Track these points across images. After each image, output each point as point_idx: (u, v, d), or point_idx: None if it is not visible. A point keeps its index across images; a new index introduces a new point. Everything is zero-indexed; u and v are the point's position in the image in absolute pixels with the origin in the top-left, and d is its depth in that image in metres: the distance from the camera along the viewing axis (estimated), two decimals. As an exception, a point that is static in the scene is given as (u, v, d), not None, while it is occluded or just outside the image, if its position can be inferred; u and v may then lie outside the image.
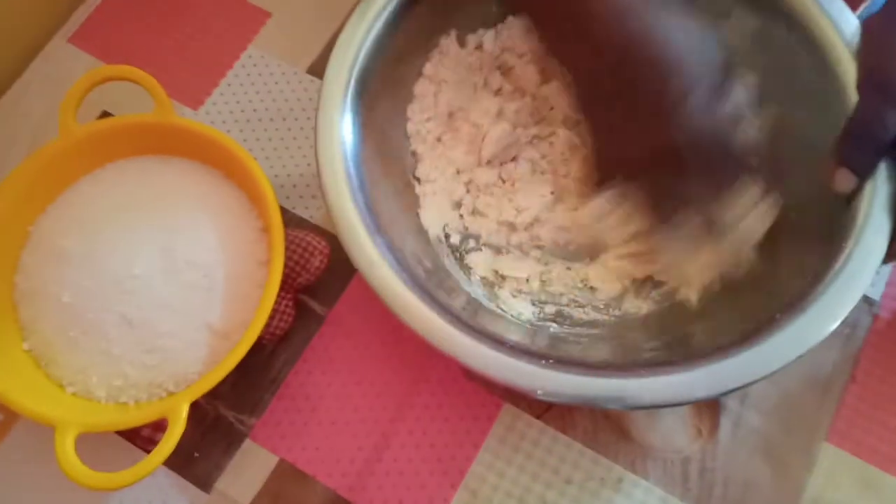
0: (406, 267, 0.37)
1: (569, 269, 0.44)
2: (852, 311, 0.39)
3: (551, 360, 0.34)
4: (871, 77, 0.37)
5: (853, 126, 0.37)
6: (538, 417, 0.43)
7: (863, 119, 0.36)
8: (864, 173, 0.36)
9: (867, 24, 0.38)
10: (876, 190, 0.36)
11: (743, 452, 0.42)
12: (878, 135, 0.36)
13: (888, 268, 0.46)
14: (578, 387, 0.34)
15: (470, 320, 0.36)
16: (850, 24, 0.39)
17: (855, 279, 0.35)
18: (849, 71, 0.38)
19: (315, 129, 0.39)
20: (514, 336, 0.39)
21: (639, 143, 0.38)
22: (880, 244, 0.35)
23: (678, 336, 0.40)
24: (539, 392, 0.34)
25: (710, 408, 0.43)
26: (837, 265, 0.35)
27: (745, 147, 0.37)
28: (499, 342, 0.35)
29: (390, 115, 0.44)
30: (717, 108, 0.36)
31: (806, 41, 0.40)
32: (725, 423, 0.43)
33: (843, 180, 0.37)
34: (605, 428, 0.43)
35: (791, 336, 0.34)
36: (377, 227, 0.38)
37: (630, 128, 0.38)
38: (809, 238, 0.39)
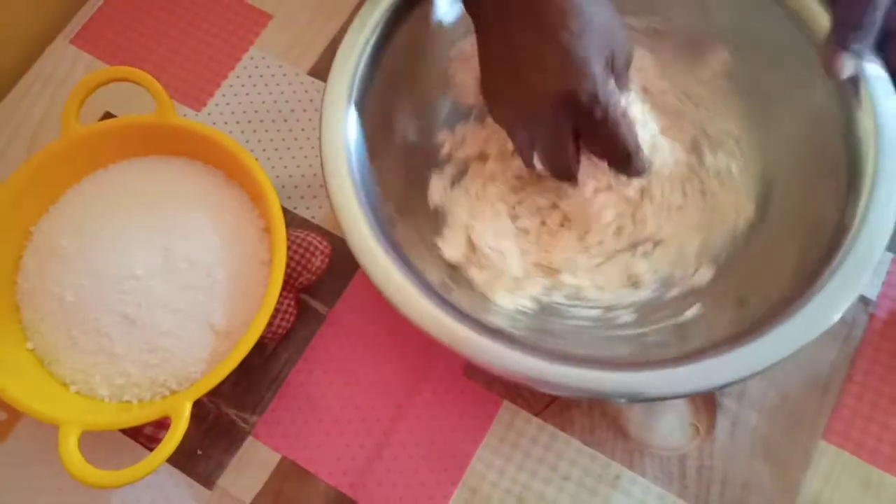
0: (409, 264, 0.37)
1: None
2: (850, 310, 0.40)
3: (553, 354, 0.35)
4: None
5: (852, 7, 0.37)
6: (537, 415, 0.43)
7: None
8: (862, 51, 0.37)
9: None
10: (878, 173, 0.37)
11: (740, 451, 0.42)
12: (879, 12, 0.36)
13: (885, 267, 0.46)
14: (580, 380, 0.34)
15: (471, 313, 0.37)
16: None
17: (853, 276, 0.35)
18: None
19: (319, 126, 0.39)
20: (516, 329, 0.39)
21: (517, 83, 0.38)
22: (885, 226, 0.36)
23: (677, 326, 0.40)
24: (542, 385, 0.34)
25: (707, 406, 0.43)
26: (835, 261, 0.36)
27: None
28: (501, 335, 0.36)
29: (396, 107, 0.45)
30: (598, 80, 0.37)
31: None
32: (723, 422, 0.43)
33: (846, 65, 0.37)
34: (602, 425, 0.43)
35: (789, 331, 0.34)
36: (381, 224, 0.38)
37: (512, 68, 0.38)
38: (808, 231, 0.39)
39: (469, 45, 0.45)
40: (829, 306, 0.35)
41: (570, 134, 0.39)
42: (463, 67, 0.46)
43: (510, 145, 0.44)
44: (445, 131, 0.47)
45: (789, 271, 0.38)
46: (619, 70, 0.38)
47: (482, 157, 0.46)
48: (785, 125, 0.44)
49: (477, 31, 0.40)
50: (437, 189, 0.45)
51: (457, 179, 0.46)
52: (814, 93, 0.41)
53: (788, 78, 0.43)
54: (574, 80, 0.36)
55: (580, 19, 0.36)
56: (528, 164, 0.41)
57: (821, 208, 0.39)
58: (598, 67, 0.36)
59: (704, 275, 0.43)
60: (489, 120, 0.45)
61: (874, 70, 0.39)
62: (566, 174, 0.41)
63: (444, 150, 0.47)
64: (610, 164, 0.40)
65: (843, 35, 0.37)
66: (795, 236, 0.40)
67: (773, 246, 0.42)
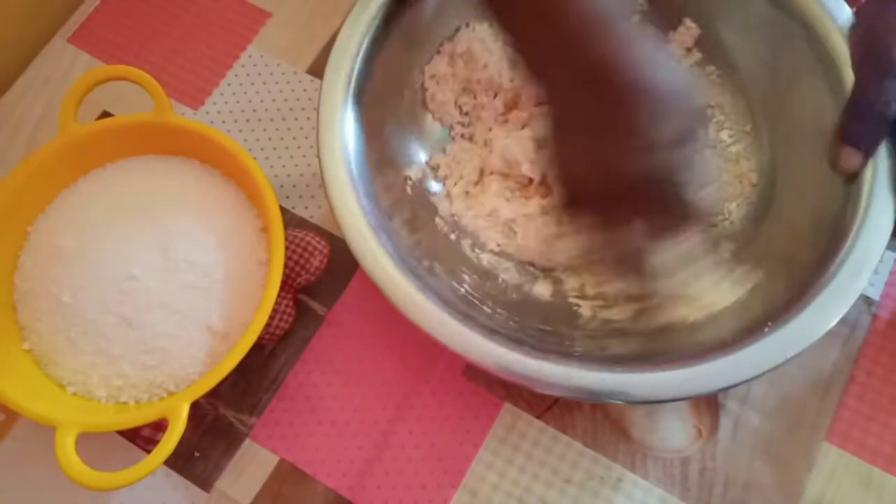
0: (408, 262, 0.37)
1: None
2: (852, 311, 0.39)
3: (552, 354, 0.35)
4: (868, 53, 0.37)
5: (855, 103, 0.37)
6: (538, 417, 0.43)
7: (863, 95, 0.37)
8: (869, 149, 0.36)
9: (861, 6, 0.39)
10: (876, 176, 0.37)
11: (743, 453, 0.42)
12: (880, 109, 0.36)
13: (888, 267, 0.46)
14: (579, 380, 0.34)
15: (469, 309, 0.37)
16: (844, 12, 0.40)
17: (855, 276, 0.35)
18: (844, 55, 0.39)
19: (317, 121, 0.39)
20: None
21: (598, 169, 0.34)
22: (885, 227, 0.36)
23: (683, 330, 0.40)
24: (541, 385, 0.34)
25: (709, 408, 0.43)
26: (838, 259, 0.35)
27: (697, 205, 0.34)
28: (500, 335, 0.36)
29: (393, 105, 0.45)
30: (682, 156, 0.33)
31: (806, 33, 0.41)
32: (725, 424, 0.43)
33: (850, 158, 0.37)
34: (604, 428, 0.43)
35: (790, 333, 0.34)
36: (380, 221, 0.38)
37: (592, 152, 0.34)
38: (809, 233, 0.39)
39: (443, 65, 0.46)
40: (831, 308, 0.35)
41: (634, 216, 0.35)
42: (440, 88, 0.47)
43: (507, 160, 0.45)
44: (439, 154, 0.47)
45: (793, 268, 0.38)
46: (685, 143, 0.33)
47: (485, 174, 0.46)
48: (761, 87, 0.45)
49: (548, 100, 0.36)
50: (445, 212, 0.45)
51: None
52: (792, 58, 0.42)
53: (769, 51, 0.44)
54: (645, 164, 0.33)
55: (651, 98, 0.32)
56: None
57: (822, 206, 0.39)
58: (667, 154, 0.32)
59: (724, 252, 0.43)
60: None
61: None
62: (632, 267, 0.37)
63: (441, 173, 0.47)
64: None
65: (846, 127, 0.37)
66: (798, 233, 0.40)
67: (786, 214, 0.42)
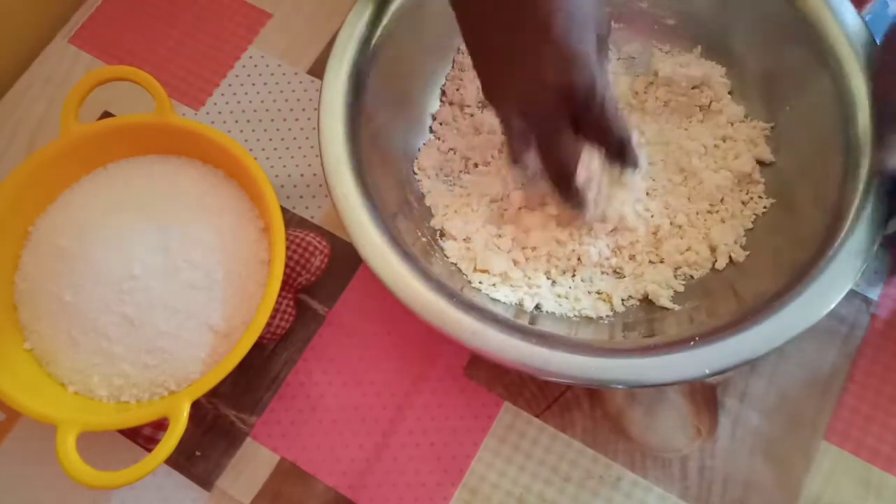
0: (408, 252, 0.38)
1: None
2: (851, 310, 0.40)
3: (555, 342, 0.35)
4: (880, 104, 0.38)
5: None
6: (538, 416, 0.43)
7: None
8: None
9: (877, 53, 0.40)
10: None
11: (742, 452, 0.42)
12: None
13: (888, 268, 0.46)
14: (580, 367, 0.35)
15: (468, 302, 0.37)
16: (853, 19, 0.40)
17: (846, 268, 0.36)
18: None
19: (318, 121, 0.39)
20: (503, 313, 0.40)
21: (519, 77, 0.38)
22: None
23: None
24: (542, 373, 0.34)
25: (709, 407, 0.43)
26: (836, 243, 0.36)
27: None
28: (501, 322, 0.36)
29: (392, 104, 0.45)
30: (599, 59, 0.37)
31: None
32: (724, 423, 0.43)
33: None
34: (603, 427, 0.43)
35: (781, 321, 0.35)
36: (382, 217, 0.38)
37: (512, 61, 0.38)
38: (802, 230, 0.40)
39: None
40: (824, 296, 0.35)
41: (568, 126, 0.38)
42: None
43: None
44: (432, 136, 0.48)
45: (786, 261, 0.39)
46: (602, 45, 0.38)
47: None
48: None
49: (464, 29, 0.39)
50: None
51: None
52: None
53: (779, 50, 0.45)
54: (571, 73, 0.36)
55: (568, 11, 0.36)
56: (516, 159, 0.40)
57: (815, 207, 0.39)
58: (592, 59, 0.36)
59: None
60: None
61: None
62: (563, 172, 0.40)
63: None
64: (607, 154, 0.40)
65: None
66: (792, 227, 0.41)
67: (771, 239, 0.43)
